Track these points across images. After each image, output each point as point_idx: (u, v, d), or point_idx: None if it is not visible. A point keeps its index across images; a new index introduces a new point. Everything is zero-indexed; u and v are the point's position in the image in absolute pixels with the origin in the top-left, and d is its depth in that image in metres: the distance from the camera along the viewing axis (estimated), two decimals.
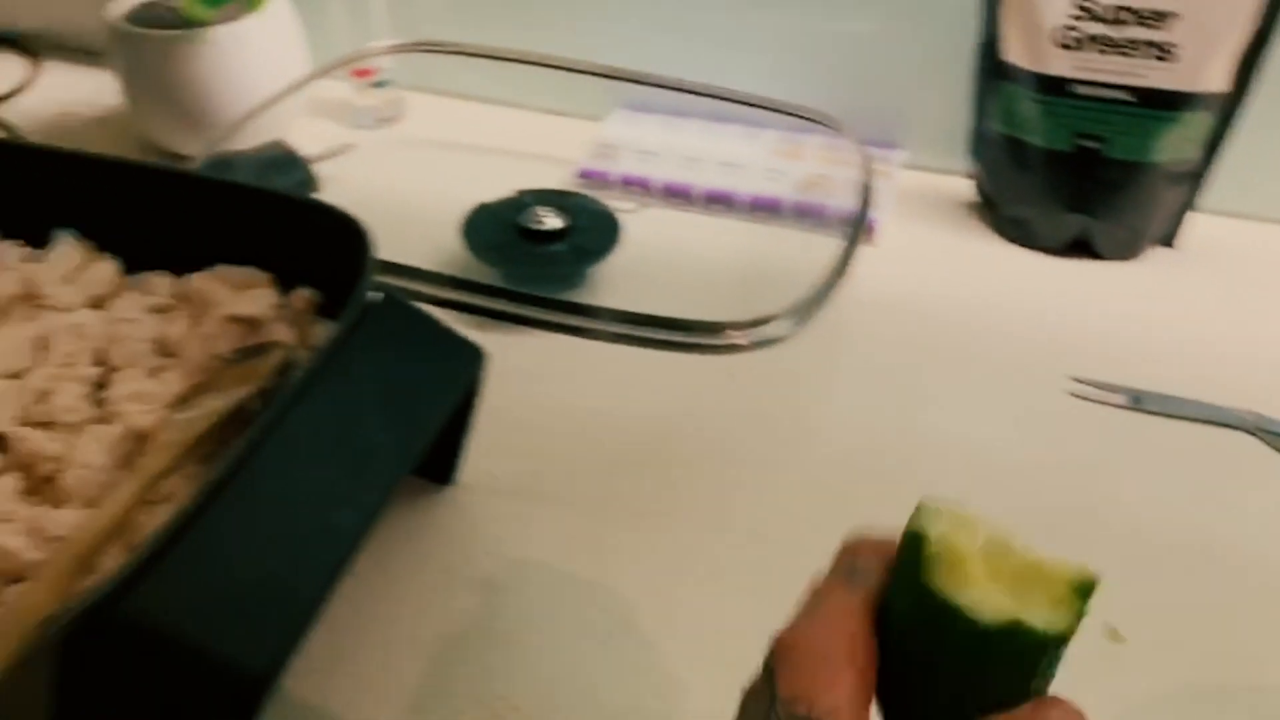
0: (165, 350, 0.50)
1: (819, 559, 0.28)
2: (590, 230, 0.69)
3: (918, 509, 0.26)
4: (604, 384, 0.60)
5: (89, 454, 0.43)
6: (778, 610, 0.28)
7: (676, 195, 0.77)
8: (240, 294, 0.51)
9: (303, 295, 0.52)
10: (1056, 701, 0.25)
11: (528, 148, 0.83)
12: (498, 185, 0.72)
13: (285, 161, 0.76)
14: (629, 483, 0.54)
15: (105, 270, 0.54)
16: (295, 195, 0.52)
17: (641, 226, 0.70)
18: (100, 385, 0.48)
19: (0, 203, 0.57)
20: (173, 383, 0.48)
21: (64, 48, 0.99)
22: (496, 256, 0.66)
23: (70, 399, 0.46)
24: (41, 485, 0.43)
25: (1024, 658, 0.25)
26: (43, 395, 0.46)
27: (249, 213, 0.54)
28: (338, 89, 0.85)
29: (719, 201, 0.76)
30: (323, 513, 0.38)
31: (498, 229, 0.68)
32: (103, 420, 0.45)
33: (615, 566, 0.50)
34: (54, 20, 0.99)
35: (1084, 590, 0.25)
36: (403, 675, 0.45)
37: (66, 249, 0.55)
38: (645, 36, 0.83)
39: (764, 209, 0.75)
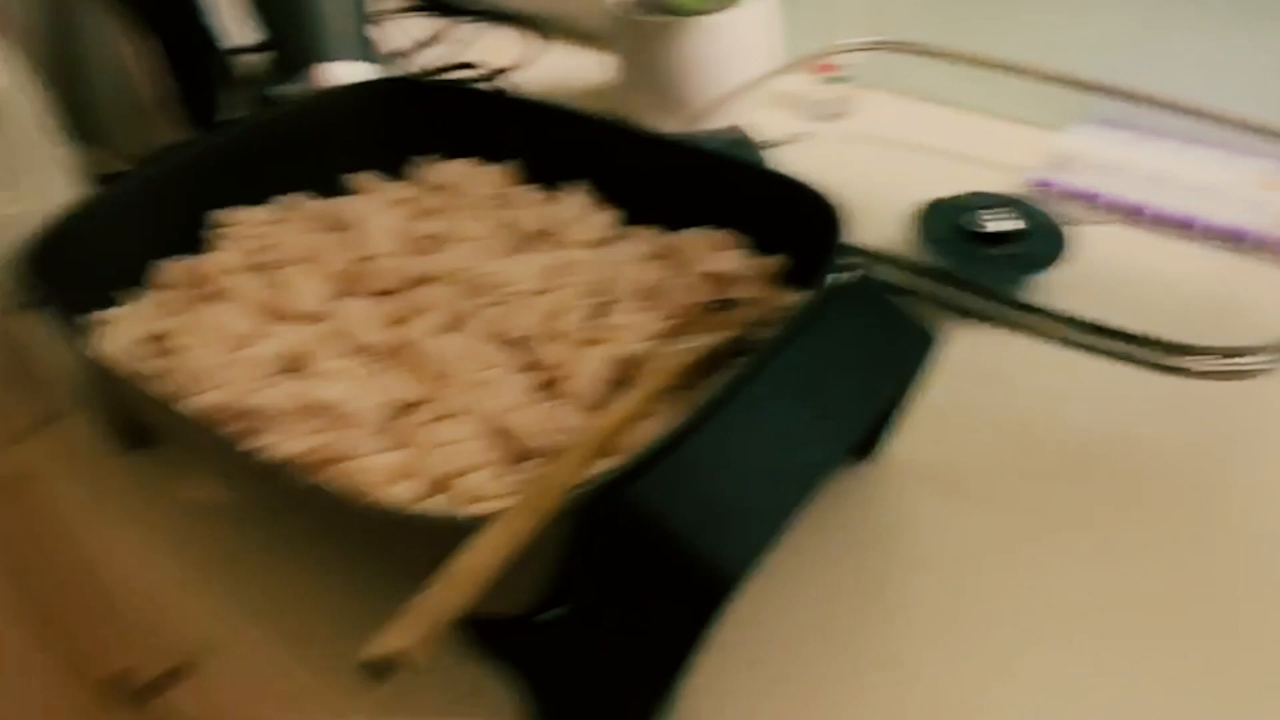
0: (649, 294, 0.57)
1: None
2: (1040, 238, 0.68)
3: None
4: (1046, 388, 0.59)
5: (589, 366, 0.51)
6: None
7: (1133, 214, 0.73)
8: (717, 253, 0.57)
9: (772, 260, 0.57)
10: None
11: (979, 152, 0.83)
12: (946, 185, 0.73)
13: (742, 145, 0.82)
14: (1058, 492, 0.54)
15: (606, 219, 0.62)
16: (777, 170, 0.57)
17: (1095, 241, 0.68)
18: (596, 313, 0.56)
19: (527, 154, 0.67)
20: (655, 321, 0.54)
21: (560, 29, 1.13)
22: (945, 252, 0.68)
23: (575, 320, 0.54)
24: (548, 385, 0.51)
25: None
26: (553, 314, 0.54)
27: (734, 182, 0.59)
28: (793, 81, 0.90)
29: (1181, 226, 0.72)
30: (791, 449, 0.42)
31: (947, 226, 0.69)
32: (598, 341, 0.53)
33: (1027, 573, 0.49)
34: (557, 4, 1.13)
35: None
36: (818, 626, 0.48)
37: (578, 197, 0.64)
38: (1115, 47, 0.80)
39: (1234, 239, 0.70)
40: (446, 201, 0.65)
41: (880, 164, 0.84)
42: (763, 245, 0.58)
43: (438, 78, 1.04)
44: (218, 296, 0.58)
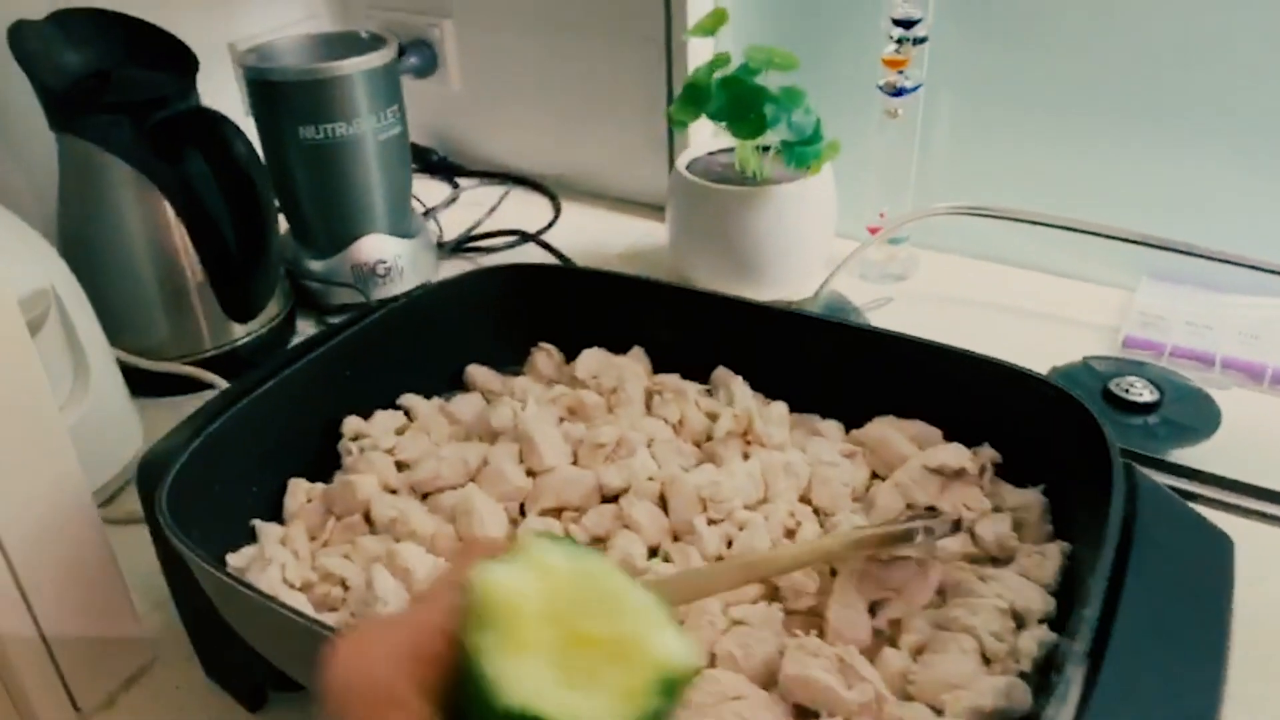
0: (857, 495, 0.53)
1: None
2: (1180, 405, 0.67)
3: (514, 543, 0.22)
4: None
5: (847, 594, 0.45)
6: None
7: (1255, 375, 0.73)
8: (937, 446, 0.54)
9: (992, 453, 0.53)
10: None
11: (1054, 310, 0.84)
12: (1039, 346, 0.73)
13: (846, 311, 0.80)
14: None
15: (781, 411, 0.58)
16: (997, 360, 0.54)
17: (1233, 405, 0.68)
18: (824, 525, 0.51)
19: (674, 342, 0.63)
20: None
21: (574, 190, 1.11)
22: None
23: (810, 534, 0.49)
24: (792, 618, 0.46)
25: None
26: (785, 533, 0.49)
27: (938, 373, 0.56)
28: (849, 244, 0.89)
29: None
30: (1181, 698, 0.37)
31: (1086, 393, 0.68)
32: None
33: None
34: (572, 167, 1.11)
35: (671, 685, 0.20)
36: None
37: (742, 390, 0.59)
38: (1167, 204, 0.83)
39: None
40: (601, 399, 0.59)
41: (965, 325, 0.83)
42: (953, 435, 0.55)
43: (478, 242, 0.99)
44: (384, 528, 0.50)
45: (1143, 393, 0.68)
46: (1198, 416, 0.66)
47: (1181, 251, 0.77)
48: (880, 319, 0.82)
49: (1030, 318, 0.84)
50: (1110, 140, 0.83)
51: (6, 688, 0.51)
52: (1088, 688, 0.36)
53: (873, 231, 0.90)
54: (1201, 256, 0.77)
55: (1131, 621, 0.39)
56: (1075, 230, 0.81)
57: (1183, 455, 0.65)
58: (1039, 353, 0.69)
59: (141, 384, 0.74)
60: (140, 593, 0.55)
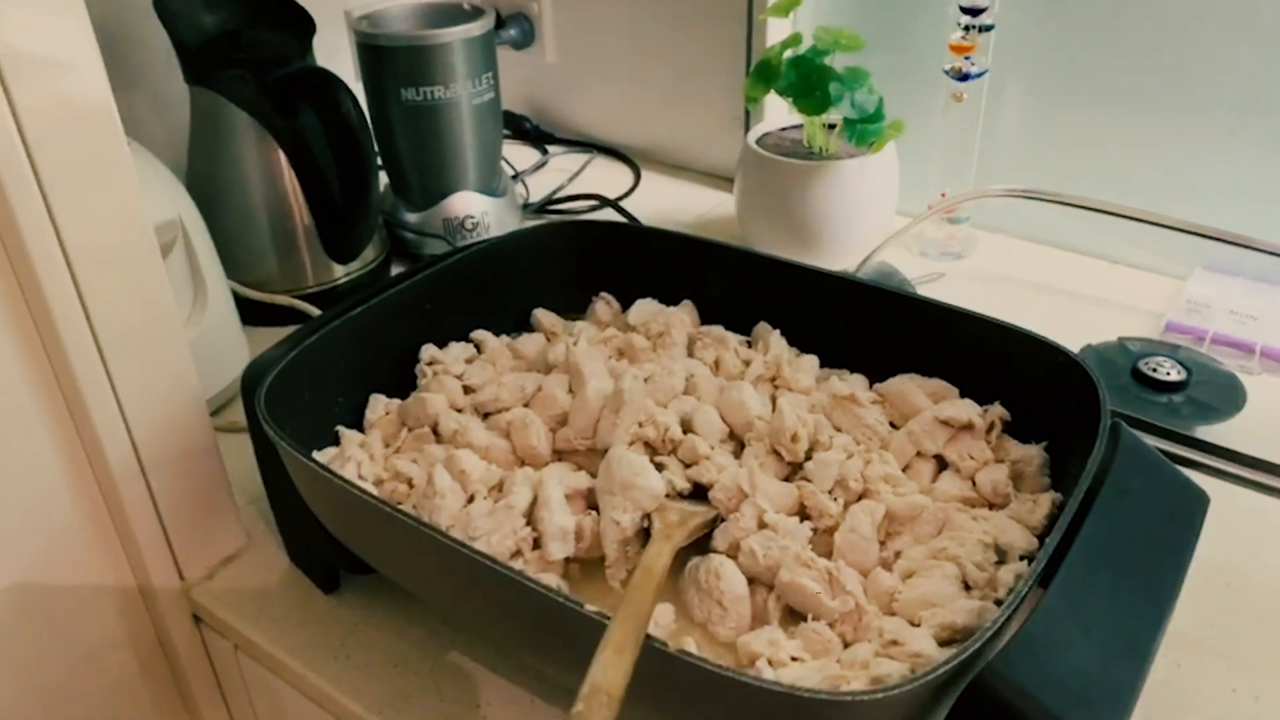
0: (872, 436, 0.58)
1: None
2: (1207, 386, 0.70)
3: None
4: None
5: (860, 522, 0.51)
6: None
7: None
8: (949, 401, 0.58)
9: (1001, 410, 0.58)
10: None
11: (1103, 294, 0.87)
12: (1082, 328, 0.76)
13: (893, 281, 0.84)
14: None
15: (811, 362, 0.63)
16: (1016, 327, 0.58)
17: (1261, 389, 0.71)
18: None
19: (723, 299, 0.69)
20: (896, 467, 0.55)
21: (652, 160, 1.17)
22: (1116, 398, 0.69)
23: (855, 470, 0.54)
24: (822, 536, 0.52)
25: None
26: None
27: (956, 332, 0.61)
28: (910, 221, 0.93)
29: None
30: (1123, 621, 0.42)
31: (1113, 371, 0.71)
32: (866, 495, 0.53)
33: None
34: (652, 138, 1.17)
35: None
36: None
37: (779, 342, 0.65)
38: (1224, 195, 0.84)
39: None
40: (648, 342, 0.65)
41: (1009, 304, 0.86)
42: (970, 393, 0.60)
43: (560, 205, 1.06)
44: (448, 439, 0.58)
45: (1170, 372, 0.71)
46: (1223, 398, 0.69)
47: (1232, 243, 0.79)
48: (929, 292, 0.85)
49: (1077, 299, 0.87)
50: (1170, 130, 0.85)
51: (128, 554, 0.60)
52: (1038, 602, 0.41)
53: (930, 210, 0.94)
54: (1253, 248, 0.78)
55: (1087, 551, 0.43)
56: (1131, 218, 0.84)
57: (1204, 433, 0.68)
58: (1078, 331, 0.73)
59: (250, 313, 0.83)
60: (238, 489, 0.64)
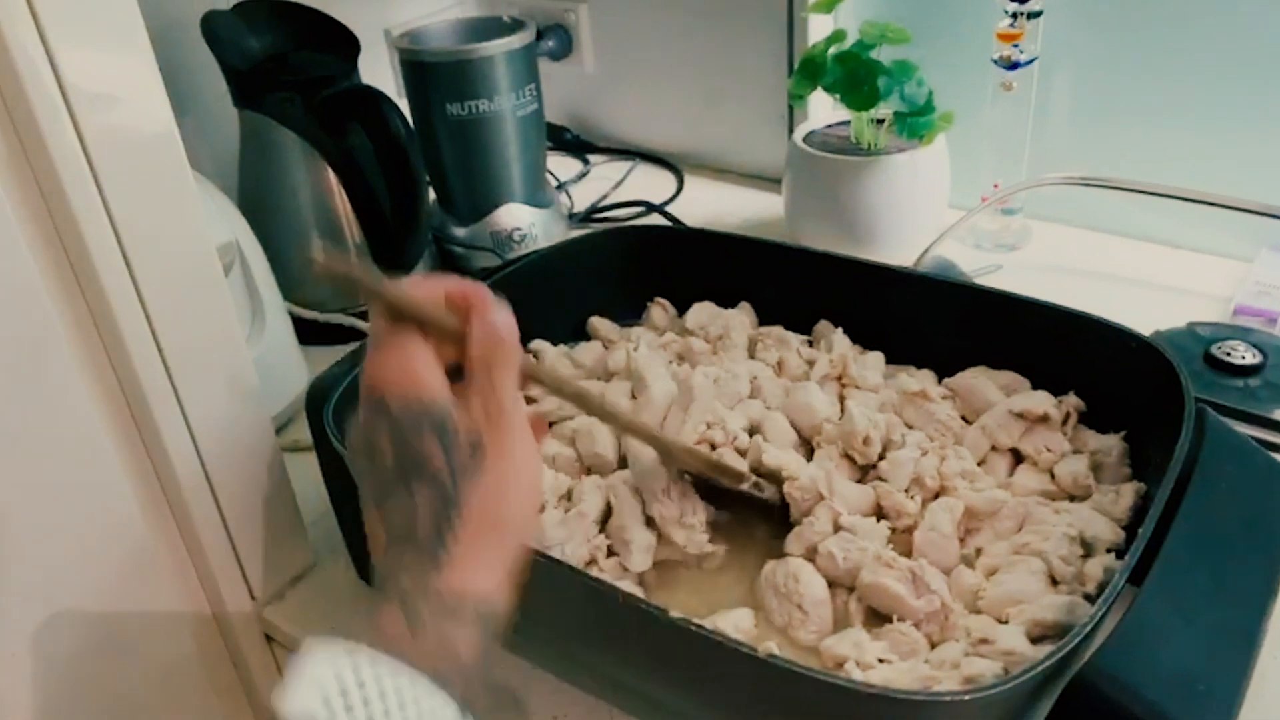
0: (946, 432, 0.57)
1: None
2: None
3: None
4: None
5: (939, 520, 0.50)
6: None
7: None
8: (1022, 393, 0.57)
9: (1077, 401, 0.57)
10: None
11: (1167, 280, 0.85)
12: (1149, 315, 0.74)
13: (952, 275, 0.83)
14: None
15: (877, 358, 0.62)
16: (1087, 314, 0.57)
17: None
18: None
19: (780, 299, 0.68)
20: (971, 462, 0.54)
21: (694, 165, 1.16)
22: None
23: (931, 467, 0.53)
24: (900, 535, 0.51)
25: None
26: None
27: (1023, 324, 0.59)
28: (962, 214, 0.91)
29: None
30: (1227, 608, 0.40)
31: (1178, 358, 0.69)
32: (943, 492, 0.52)
33: None
34: (693, 143, 1.16)
35: None
36: None
37: (841, 340, 0.64)
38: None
39: None
40: (708, 345, 0.64)
41: (1072, 293, 0.85)
42: (1042, 384, 0.58)
43: (606, 213, 1.06)
44: None
45: (1245, 356, 0.69)
46: None
47: None
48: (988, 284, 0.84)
49: (1141, 286, 0.85)
50: (1226, 109, 0.83)
51: (199, 575, 0.60)
52: (1135, 597, 0.40)
53: (985, 201, 0.93)
54: None
55: (1182, 540, 0.42)
56: (1190, 200, 0.82)
57: None
58: (1146, 318, 0.71)
59: (306, 333, 0.84)
60: (305, 508, 0.64)
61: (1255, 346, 0.70)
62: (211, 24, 0.81)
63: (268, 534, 0.61)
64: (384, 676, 0.31)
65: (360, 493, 0.38)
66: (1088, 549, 0.49)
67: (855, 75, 0.83)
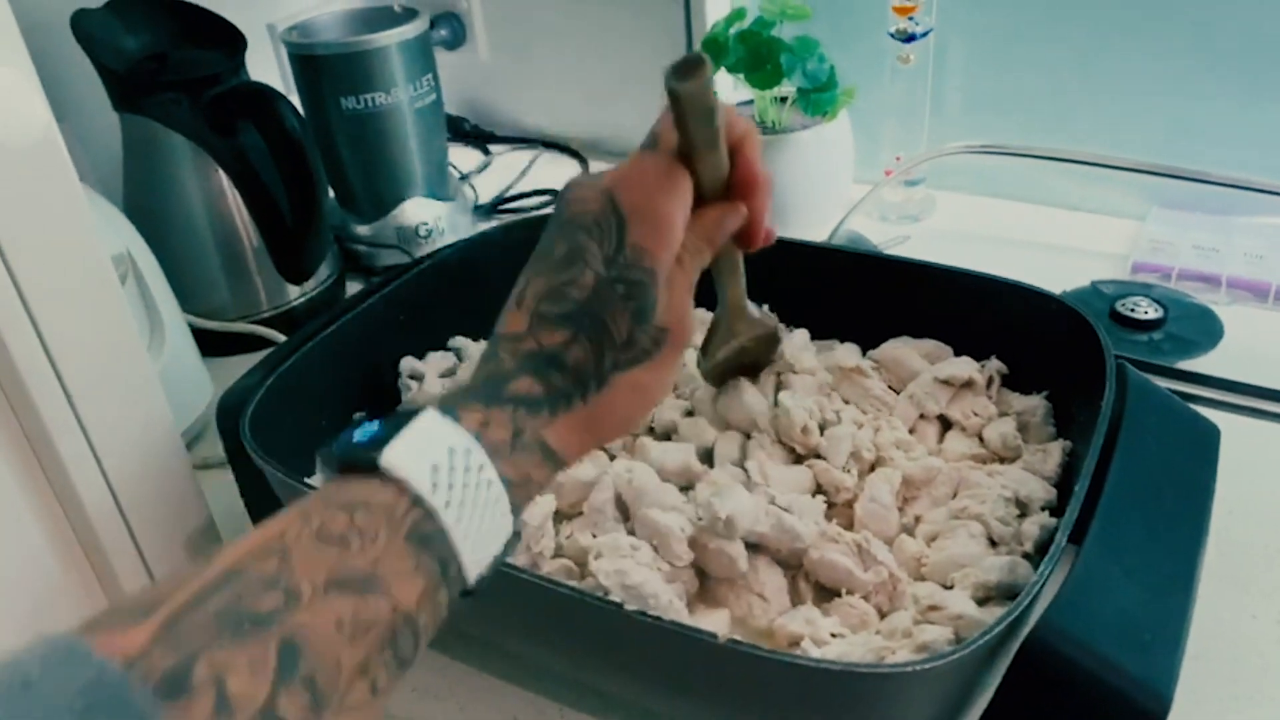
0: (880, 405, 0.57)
1: None
2: (1184, 321, 0.71)
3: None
4: None
5: (879, 491, 0.50)
6: None
7: (1246, 290, 0.77)
8: (947, 360, 0.58)
9: (999, 365, 0.58)
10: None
11: (1067, 242, 0.87)
12: (1053, 276, 0.76)
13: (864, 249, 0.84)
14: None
15: (803, 336, 0.62)
16: (1002, 278, 0.58)
17: (1235, 320, 0.71)
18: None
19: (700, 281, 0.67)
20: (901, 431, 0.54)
21: (599, 151, 1.15)
22: None
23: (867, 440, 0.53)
24: (841, 509, 0.51)
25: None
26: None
27: (938, 291, 0.60)
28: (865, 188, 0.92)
29: None
30: (1160, 558, 0.41)
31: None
32: (879, 463, 0.52)
33: None
34: (596, 129, 1.15)
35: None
36: None
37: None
38: (1174, 133, 0.85)
39: None
40: None
41: (980, 259, 0.87)
42: (962, 351, 0.59)
43: (512, 203, 1.03)
44: None
45: (1148, 311, 0.71)
46: (1200, 331, 0.70)
47: (1186, 178, 0.81)
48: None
49: (1043, 249, 0.87)
50: (1114, 74, 0.86)
51: (110, 599, 0.57)
52: (1078, 553, 0.41)
53: (889, 175, 0.94)
54: (1206, 182, 0.80)
55: (1116, 495, 0.43)
56: (1084, 163, 0.85)
57: (1187, 367, 0.68)
58: (1050, 280, 0.72)
59: (207, 344, 0.80)
60: (222, 525, 0.61)
61: (1156, 301, 0.72)
62: (83, 24, 0.76)
63: (186, 556, 0.58)
64: (477, 468, 0.33)
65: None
66: (1023, 509, 0.50)
67: (758, 54, 0.83)
